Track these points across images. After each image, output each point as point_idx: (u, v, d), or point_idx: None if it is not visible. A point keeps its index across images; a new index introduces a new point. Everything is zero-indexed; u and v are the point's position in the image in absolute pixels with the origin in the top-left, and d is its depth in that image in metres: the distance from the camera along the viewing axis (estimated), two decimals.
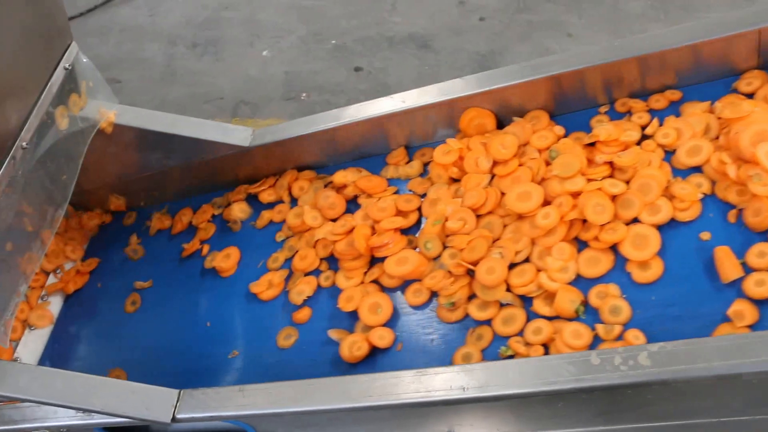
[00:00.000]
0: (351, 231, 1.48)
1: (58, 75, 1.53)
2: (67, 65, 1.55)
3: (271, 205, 1.71)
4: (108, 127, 1.67)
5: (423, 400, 1.11)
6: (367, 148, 1.66)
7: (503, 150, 1.44)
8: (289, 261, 1.59)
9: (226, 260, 1.64)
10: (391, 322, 1.38)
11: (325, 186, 1.65)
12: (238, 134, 1.70)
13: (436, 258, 1.39)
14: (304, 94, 2.97)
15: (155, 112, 1.74)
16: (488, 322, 1.29)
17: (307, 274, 1.53)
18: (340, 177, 1.59)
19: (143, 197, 1.93)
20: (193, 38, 3.40)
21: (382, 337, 1.34)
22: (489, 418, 1.23)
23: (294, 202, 1.68)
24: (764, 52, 1.37)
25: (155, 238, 1.84)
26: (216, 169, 1.79)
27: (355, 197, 1.60)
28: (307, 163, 1.73)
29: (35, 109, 1.46)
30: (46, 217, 1.52)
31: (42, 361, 1.71)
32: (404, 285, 1.41)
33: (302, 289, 1.49)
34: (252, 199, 1.76)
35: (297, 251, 1.57)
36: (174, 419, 1.22)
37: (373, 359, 1.35)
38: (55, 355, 1.72)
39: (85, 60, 1.61)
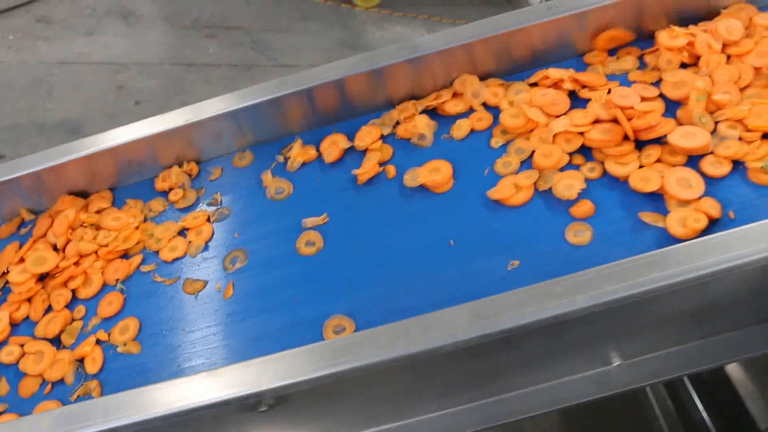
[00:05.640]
0: (595, 121, 1.42)
1: None
2: None
3: (462, 115, 1.56)
4: None
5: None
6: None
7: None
8: (526, 162, 1.45)
9: (436, 174, 1.46)
10: (707, 193, 1.28)
11: (532, 86, 1.56)
12: None
13: (713, 132, 1.36)
14: None
15: None
16: None
17: (561, 170, 1.42)
18: (555, 73, 1.52)
19: None
20: None
21: (713, 207, 1.25)
22: None
23: (492, 109, 1.54)
24: None
25: (298, 173, 1.59)
26: None
27: (571, 93, 1.52)
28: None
29: None
30: None
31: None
32: (690, 161, 1.34)
33: (569, 183, 1.35)
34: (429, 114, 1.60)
35: (533, 151, 1.46)
36: None
37: (709, 232, 1.22)
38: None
39: None
